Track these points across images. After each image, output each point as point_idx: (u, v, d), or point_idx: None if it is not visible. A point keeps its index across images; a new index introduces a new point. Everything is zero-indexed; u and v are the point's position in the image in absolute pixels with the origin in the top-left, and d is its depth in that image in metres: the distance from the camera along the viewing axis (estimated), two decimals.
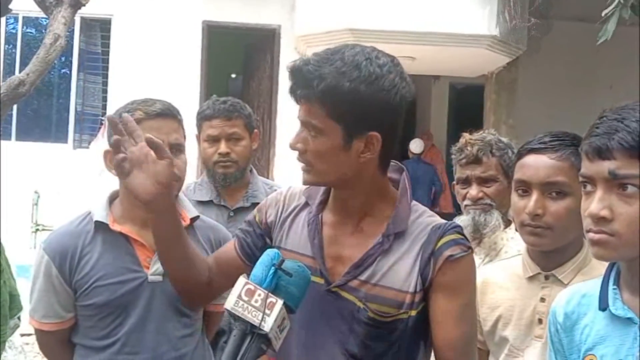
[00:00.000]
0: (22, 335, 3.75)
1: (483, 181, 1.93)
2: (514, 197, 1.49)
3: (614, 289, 1.08)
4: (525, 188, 1.45)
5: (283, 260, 1.12)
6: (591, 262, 1.46)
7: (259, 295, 1.08)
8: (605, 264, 1.12)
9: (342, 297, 1.26)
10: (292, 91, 1.24)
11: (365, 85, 1.19)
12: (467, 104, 9.23)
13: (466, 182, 1.96)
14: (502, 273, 1.57)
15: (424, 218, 1.30)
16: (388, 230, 1.27)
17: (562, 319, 1.17)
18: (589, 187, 1.04)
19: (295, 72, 1.22)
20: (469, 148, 1.93)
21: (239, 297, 1.08)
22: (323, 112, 1.20)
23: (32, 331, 1.75)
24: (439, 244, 1.25)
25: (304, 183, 1.32)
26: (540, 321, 1.46)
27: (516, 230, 1.55)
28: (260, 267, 1.12)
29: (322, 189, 1.36)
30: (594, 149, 1.01)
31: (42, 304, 1.64)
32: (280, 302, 1.08)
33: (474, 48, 6.90)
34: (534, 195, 1.42)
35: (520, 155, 1.48)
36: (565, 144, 1.42)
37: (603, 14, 4.43)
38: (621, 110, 1.02)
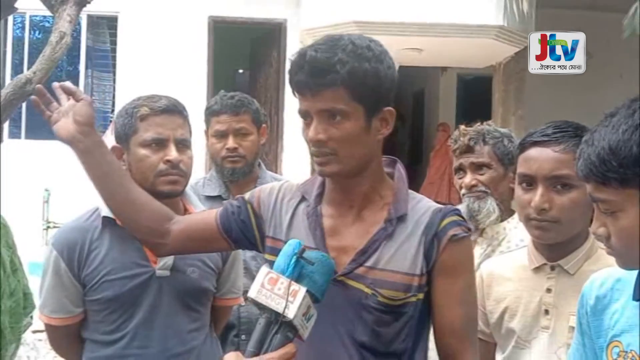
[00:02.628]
0: (35, 332, 3.78)
1: (476, 168, 1.96)
2: (518, 191, 1.47)
3: None
4: (529, 182, 1.43)
5: (304, 249, 1.13)
6: (597, 252, 1.44)
7: (282, 283, 1.09)
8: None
9: (348, 286, 1.26)
10: (305, 82, 1.23)
11: (379, 64, 1.24)
12: (476, 95, 9.18)
13: (461, 170, 2.00)
14: (507, 265, 1.56)
15: (423, 203, 1.32)
16: (390, 215, 1.29)
17: (594, 302, 1.16)
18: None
19: (310, 61, 1.21)
20: (462, 138, 1.98)
21: (262, 285, 1.09)
22: (348, 95, 1.21)
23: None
24: (442, 224, 1.27)
25: (326, 174, 1.30)
26: (546, 312, 1.45)
27: (519, 221, 1.55)
28: (283, 257, 1.13)
29: (318, 182, 1.36)
30: (576, 174, 1.07)
31: (51, 299, 1.65)
32: (303, 290, 1.09)
33: (481, 38, 6.85)
34: (540, 190, 1.41)
35: (523, 148, 1.46)
36: (569, 135, 1.40)
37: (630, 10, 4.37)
38: (596, 128, 1.04)
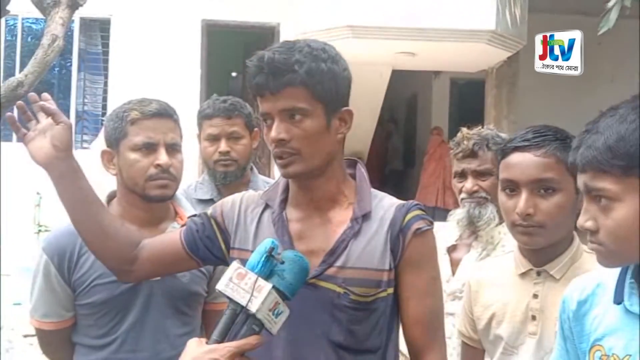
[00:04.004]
0: (25, 336, 3.76)
1: (479, 174, 1.96)
2: (502, 197, 1.48)
3: (631, 282, 1.07)
4: (512, 187, 1.44)
5: (273, 248, 1.16)
6: (582, 257, 1.46)
7: (249, 278, 1.13)
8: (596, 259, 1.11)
9: (320, 288, 1.27)
10: (265, 83, 1.25)
11: (335, 65, 1.28)
12: (469, 99, 9.22)
13: (462, 175, 1.99)
14: (494, 271, 1.57)
15: (386, 200, 1.35)
16: (355, 213, 1.31)
17: (575, 307, 1.17)
18: (582, 197, 1.08)
19: (268, 63, 1.25)
20: (465, 142, 1.97)
21: (230, 279, 1.14)
22: (308, 94, 1.25)
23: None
24: (406, 219, 1.31)
25: (290, 175, 1.31)
26: (533, 318, 1.46)
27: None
28: (255, 254, 1.17)
29: (281, 188, 1.37)
30: (570, 163, 1.07)
31: (42, 303, 1.65)
32: (268, 286, 1.13)
33: (474, 43, 6.88)
34: (523, 195, 1.41)
35: (504, 153, 1.47)
36: (549, 139, 1.42)
37: (608, 5, 4.42)
38: (600, 119, 1.04)
